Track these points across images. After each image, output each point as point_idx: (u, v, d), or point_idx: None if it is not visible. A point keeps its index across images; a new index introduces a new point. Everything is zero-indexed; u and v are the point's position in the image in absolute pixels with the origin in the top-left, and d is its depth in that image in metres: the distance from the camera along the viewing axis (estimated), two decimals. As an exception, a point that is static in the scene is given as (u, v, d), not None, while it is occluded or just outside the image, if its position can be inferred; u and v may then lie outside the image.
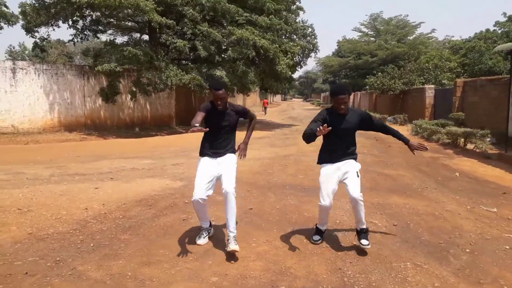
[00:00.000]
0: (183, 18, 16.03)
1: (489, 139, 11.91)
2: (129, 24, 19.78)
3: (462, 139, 11.90)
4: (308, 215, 5.18)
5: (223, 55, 16.62)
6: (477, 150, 10.97)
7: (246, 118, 4.33)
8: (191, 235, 4.43)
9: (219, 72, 16.27)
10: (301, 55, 20.55)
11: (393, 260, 3.79)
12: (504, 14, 26.93)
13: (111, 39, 18.41)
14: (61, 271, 3.48)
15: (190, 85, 15.84)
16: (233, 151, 4.22)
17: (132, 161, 9.35)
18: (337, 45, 50.43)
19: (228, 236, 3.91)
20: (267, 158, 9.89)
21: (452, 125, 14.10)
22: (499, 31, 26.99)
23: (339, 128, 3.91)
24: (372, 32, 47.35)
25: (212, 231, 4.43)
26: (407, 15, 67.90)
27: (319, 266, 3.66)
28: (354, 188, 3.85)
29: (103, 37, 33.10)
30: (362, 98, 36.30)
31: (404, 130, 16.72)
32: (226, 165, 4.04)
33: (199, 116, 3.89)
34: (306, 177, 7.54)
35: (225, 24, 16.75)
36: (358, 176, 3.97)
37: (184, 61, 19.66)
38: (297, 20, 19.91)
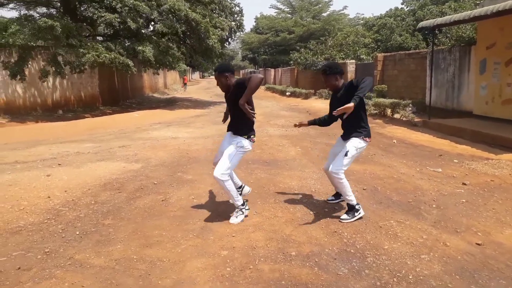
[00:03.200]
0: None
1: (410, 108, 13.08)
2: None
3: (389, 110, 12.91)
4: (284, 186, 5.37)
5: (150, 30, 15.91)
6: (404, 119, 12.02)
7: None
8: (177, 214, 4.38)
9: (142, 47, 15.54)
10: (228, 33, 20.42)
11: (378, 220, 4.13)
12: (410, -7, 29.20)
13: (24, 13, 16.54)
14: (58, 262, 3.26)
15: (112, 64, 14.91)
16: (245, 133, 4.02)
17: (72, 145, 8.74)
18: (255, 21, 50.75)
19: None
20: (216, 135, 9.87)
21: (375, 97, 15.21)
22: (406, 9, 29.26)
23: (335, 106, 4.05)
24: (288, 9, 48.39)
25: (247, 210, 4.25)
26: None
27: (316, 231, 3.86)
28: (332, 163, 4.08)
29: (4, 12, 29.62)
30: (283, 75, 37.19)
31: (332, 103, 17.63)
32: (227, 148, 4.02)
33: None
34: (263, 152, 7.70)
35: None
36: (346, 155, 4.01)
37: (105, 37, 18.43)
38: (225, -3, 19.70)
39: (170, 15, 15.62)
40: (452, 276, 3.00)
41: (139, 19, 15.11)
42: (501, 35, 9.83)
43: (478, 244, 3.52)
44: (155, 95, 31.70)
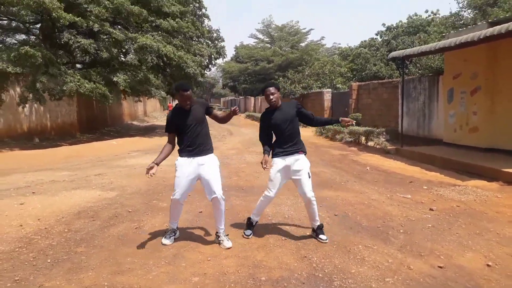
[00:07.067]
0: (87, 15, 15.13)
1: (384, 136, 13.49)
2: (13, 23, 18.02)
3: (364, 137, 13.28)
4: (258, 213, 5.46)
5: (124, 59, 16.13)
6: (377, 146, 12.37)
7: (209, 112, 4.42)
8: (151, 242, 4.41)
9: (117, 78, 15.73)
10: (208, 59, 20.79)
11: (347, 245, 4.27)
12: (384, 24, 30.54)
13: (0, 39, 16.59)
14: (28, 291, 3.26)
15: (92, 93, 14.96)
16: (212, 150, 4.42)
17: (47, 173, 8.67)
18: (235, 51, 51.81)
19: (219, 235, 4.27)
20: (193, 162, 9.94)
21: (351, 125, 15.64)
22: (380, 40, 30.43)
23: (278, 120, 4.36)
24: (267, 39, 49.65)
25: (178, 234, 4.53)
26: (298, 22, 72.64)
27: (286, 257, 3.96)
28: (307, 191, 4.23)
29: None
30: (263, 103, 37.76)
31: (309, 131, 17.98)
32: (210, 170, 4.21)
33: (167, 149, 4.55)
34: (240, 179, 7.81)
35: (129, 28, 16.25)
36: (309, 177, 4.30)
37: (81, 65, 18.52)
38: (204, 25, 20.08)
39: (142, 50, 15.92)
40: (414, 298, 3.13)
41: (113, 49, 15.32)
42: (465, 66, 10.39)
43: (440, 267, 3.68)
44: (135, 122, 31.64)
